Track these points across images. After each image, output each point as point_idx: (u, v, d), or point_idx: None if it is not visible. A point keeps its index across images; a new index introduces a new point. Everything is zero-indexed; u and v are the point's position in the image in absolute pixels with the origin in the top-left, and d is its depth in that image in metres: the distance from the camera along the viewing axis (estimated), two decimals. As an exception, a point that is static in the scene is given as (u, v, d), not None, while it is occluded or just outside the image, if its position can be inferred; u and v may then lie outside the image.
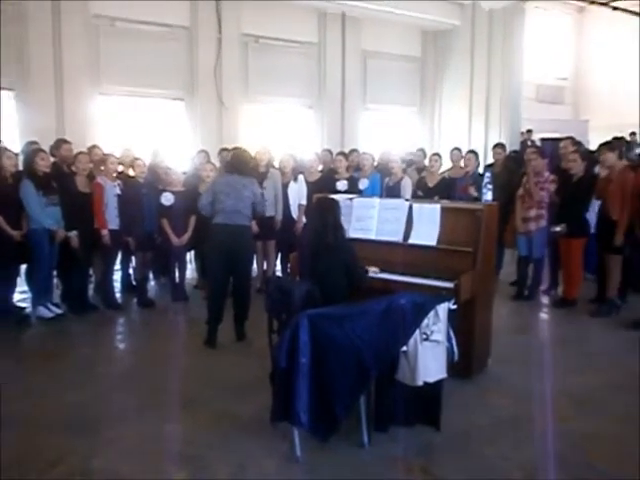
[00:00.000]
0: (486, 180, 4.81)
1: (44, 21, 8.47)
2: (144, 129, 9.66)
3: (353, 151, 7.67)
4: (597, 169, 6.21)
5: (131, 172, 6.20)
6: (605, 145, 5.95)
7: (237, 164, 4.89)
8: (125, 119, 9.62)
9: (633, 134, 11.03)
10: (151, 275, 6.69)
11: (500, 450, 3.16)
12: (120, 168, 6.22)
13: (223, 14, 9.97)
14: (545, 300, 6.27)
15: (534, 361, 4.51)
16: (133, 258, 6.36)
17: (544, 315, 5.92)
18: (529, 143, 11.34)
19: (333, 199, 3.96)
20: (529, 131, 12.41)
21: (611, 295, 5.67)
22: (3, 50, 8.05)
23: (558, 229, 5.81)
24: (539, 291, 6.33)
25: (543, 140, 11.90)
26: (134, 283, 6.45)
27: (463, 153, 7.21)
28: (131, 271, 6.57)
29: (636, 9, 12.97)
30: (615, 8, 13.05)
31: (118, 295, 6.24)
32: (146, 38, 9.47)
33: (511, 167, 7.12)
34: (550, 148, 8.25)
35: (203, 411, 3.63)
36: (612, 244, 5.43)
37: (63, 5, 8.57)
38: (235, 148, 5.26)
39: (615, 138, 6.04)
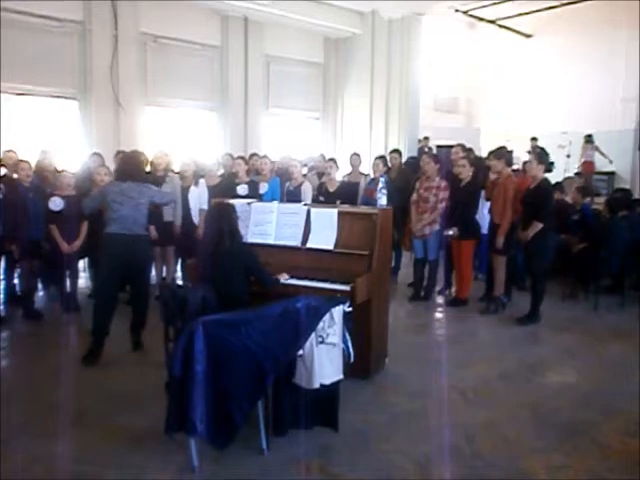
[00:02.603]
0: (381, 185, 4.98)
1: None
2: (32, 129, 9.06)
3: (253, 155, 7.65)
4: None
5: (15, 175, 5.79)
6: (493, 153, 6.38)
7: (129, 170, 4.70)
8: (10, 118, 8.96)
9: (534, 139, 11.61)
10: (39, 285, 6.28)
11: (396, 445, 3.28)
12: (2, 171, 5.80)
13: (119, 10, 9.55)
14: (440, 300, 6.58)
15: (429, 359, 4.73)
16: (18, 267, 5.93)
17: (439, 314, 6.22)
18: (426, 149, 11.87)
19: (228, 204, 3.92)
20: (426, 138, 12.98)
21: (497, 293, 6.05)
22: None
23: (450, 232, 6.12)
24: (434, 292, 6.63)
25: (439, 147, 12.52)
26: (19, 294, 6.01)
27: (362, 158, 7.40)
28: (16, 281, 6.12)
29: (520, 28, 14.03)
30: (501, 26, 14.02)
31: (1, 307, 5.80)
32: (35, 31, 8.90)
33: (407, 172, 7.41)
34: (445, 155, 8.69)
35: (96, 426, 3.46)
36: (496, 245, 5.83)
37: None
38: (123, 152, 5.07)
39: (500, 148, 6.47)
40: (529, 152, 7.46)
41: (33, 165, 5.92)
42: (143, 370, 4.26)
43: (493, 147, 6.73)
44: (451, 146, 7.57)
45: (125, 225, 4.51)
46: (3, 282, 6.09)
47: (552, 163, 6.23)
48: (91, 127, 9.55)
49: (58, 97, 9.51)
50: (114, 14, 9.53)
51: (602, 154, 11.93)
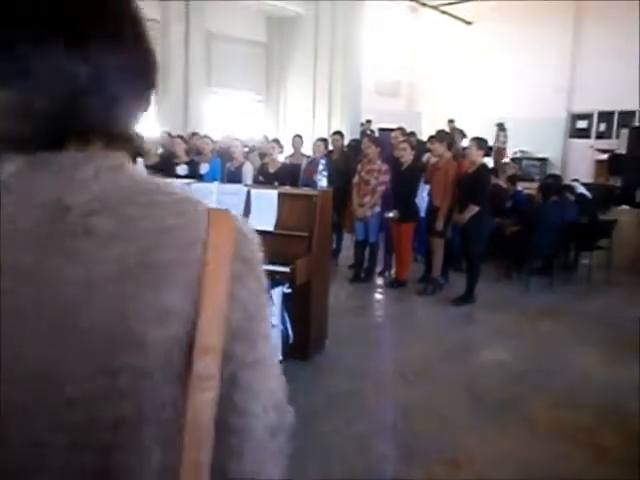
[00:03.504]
0: (321, 167, 4.96)
1: None
2: None
3: (194, 134, 7.46)
4: (426, 157, 6.73)
5: None
6: (434, 137, 6.48)
7: None
8: None
9: (501, 125, 11.67)
10: None
11: (334, 426, 3.30)
12: None
13: None
14: (380, 281, 6.67)
15: (369, 340, 4.79)
16: None
17: (378, 295, 6.30)
18: (368, 132, 11.93)
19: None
20: (368, 121, 13.04)
21: (435, 275, 6.19)
22: None
23: (391, 215, 6.19)
24: (374, 273, 6.71)
25: (381, 130, 12.60)
26: None
27: (305, 140, 7.35)
28: None
29: (462, 15, 14.26)
30: (443, 12, 14.21)
31: None
32: None
33: (349, 155, 7.42)
34: (387, 138, 8.75)
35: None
36: (435, 228, 5.94)
37: None
38: None
39: (441, 131, 6.59)
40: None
41: None
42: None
43: (434, 131, 6.85)
44: (393, 129, 7.64)
45: None
46: None
47: (490, 148, 6.41)
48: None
49: None
50: None
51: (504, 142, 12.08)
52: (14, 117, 0.55)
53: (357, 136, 11.33)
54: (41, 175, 0.56)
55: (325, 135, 9.89)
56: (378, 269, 6.77)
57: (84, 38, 0.55)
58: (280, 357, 3.25)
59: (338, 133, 7.66)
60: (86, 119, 0.57)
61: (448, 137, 6.57)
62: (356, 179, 6.38)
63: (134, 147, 0.64)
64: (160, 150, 6.71)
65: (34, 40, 0.53)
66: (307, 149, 7.88)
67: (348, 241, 7.63)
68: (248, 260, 0.63)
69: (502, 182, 7.68)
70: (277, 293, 3.15)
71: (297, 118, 12.77)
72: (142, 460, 0.57)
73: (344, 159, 7.21)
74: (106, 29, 0.57)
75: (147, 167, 6.13)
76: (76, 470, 0.55)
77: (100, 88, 0.56)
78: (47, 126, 0.55)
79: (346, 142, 8.41)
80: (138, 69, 0.63)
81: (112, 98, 0.58)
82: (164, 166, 6.11)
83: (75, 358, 0.54)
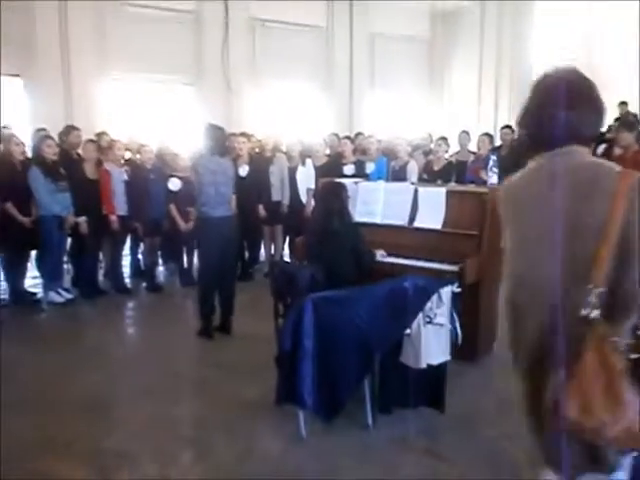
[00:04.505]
0: (491, 163, 4.75)
1: (50, 7, 8.46)
2: (152, 114, 9.67)
3: (359, 134, 7.64)
4: (601, 148, 6.12)
5: (138, 156, 6.23)
6: (621, 124, 5.79)
7: (221, 145, 4.64)
8: (133, 104, 9.63)
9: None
10: (160, 260, 6.75)
11: (504, 431, 3.19)
12: (127, 154, 6.25)
13: (230, -3, 9.90)
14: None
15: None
16: (142, 243, 6.41)
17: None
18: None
19: (339, 183, 3.95)
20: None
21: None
22: (9, 36, 8.06)
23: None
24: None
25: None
26: (143, 268, 6.50)
27: (472, 136, 7.15)
28: (140, 256, 6.62)
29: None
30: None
31: (127, 280, 6.31)
32: (153, 22, 9.43)
33: (519, 150, 7.04)
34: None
35: (210, 393, 3.69)
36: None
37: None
38: (212, 125, 4.69)
39: (627, 116, 5.84)
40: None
41: (155, 149, 6.31)
42: (252, 343, 4.44)
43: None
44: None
45: (228, 207, 4.57)
46: (130, 257, 6.61)
47: None
48: (204, 110, 10.00)
49: (175, 83, 10.06)
50: (225, 1, 9.86)
51: None
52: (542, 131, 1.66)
53: (527, 129, 10.71)
54: (553, 159, 1.63)
55: (491, 130, 9.50)
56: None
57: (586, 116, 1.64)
58: (449, 357, 3.22)
59: (508, 127, 7.31)
60: (572, 133, 1.60)
61: (635, 124, 5.89)
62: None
63: (590, 144, 1.75)
64: (327, 151, 6.98)
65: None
66: (472, 145, 7.66)
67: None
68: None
69: None
70: (446, 292, 3.12)
71: (461, 113, 12.43)
72: None
73: (513, 155, 6.85)
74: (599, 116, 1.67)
75: (316, 167, 6.45)
76: None
77: (581, 125, 1.62)
78: (556, 135, 1.60)
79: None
80: (596, 123, 1.66)
81: (582, 129, 1.63)
82: (332, 166, 6.37)
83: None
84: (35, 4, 8.34)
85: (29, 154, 5.61)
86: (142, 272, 6.48)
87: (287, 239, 6.79)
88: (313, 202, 6.24)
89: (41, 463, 2.89)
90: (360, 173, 6.06)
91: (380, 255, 3.95)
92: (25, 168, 5.35)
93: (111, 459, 2.94)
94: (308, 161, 6.51)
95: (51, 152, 5.41)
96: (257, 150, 6.79)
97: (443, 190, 4.13)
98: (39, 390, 3.75)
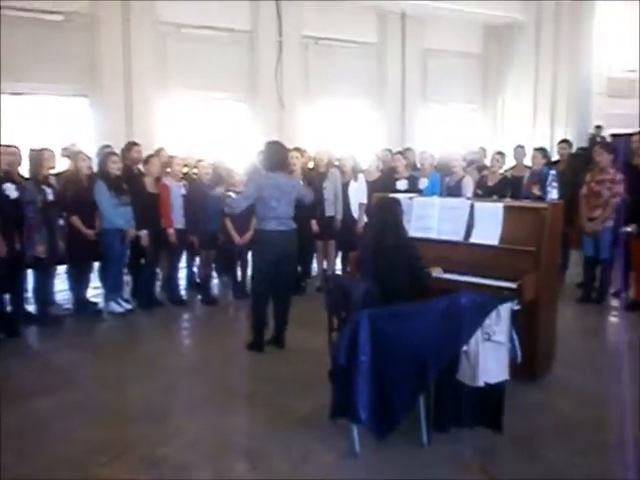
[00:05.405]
0: (550, 178, 4.65)
1: (114, 30, 8.86)
2: (208, 131, 9.95)
3: (407, 150, 7.63)
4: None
5: (195, 171, 6.40)
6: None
7: (281, 161, 4.69)
8: (190, 122, 9.93)
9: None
10: (214, 273, 6.88)
11: (564, 455, 3.08)
12: (185, 169, 6.44)
13: (283, 17, 10.11)
14: (615, 303, 6.01)
15: (602, 365, 4.36)
16: (197, 257, 6.57)
17: (613, 319, 5.70)
18: (598, 139, 10.89)
19: (393, 199, 3.95)
20: (598, 127, 11.89)
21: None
22: (77, 58, 8.50)
23: (629, 229, 5.57)
24: (608, 294, 6.08)
25: (614, 136, 11.39)
26: (198, 281, 6.65)
27: (527, 150, 7.01)
28: (195, 269, 6.78)
29: None
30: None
31: (183, 292, 6.46)
32: (210, 42, 9.73)
33: (576, 165, 6.87)
34: (622, 144, 7.89)
35: (264, 405, 3.73)
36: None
37: (132, 13, 8.93)
38: (272, 142, 4.83)
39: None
40: None
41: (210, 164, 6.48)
42: (305, 357, 4.47)
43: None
44: (630, 134, 6.86)
45: (283, 221, 4.59)
46: (186, 270, 6.77)
47: None
48: (258, 127, 10.21)
49: (230, 101, 10.32)
50: (278, 20, 10.09)
51: None
52: None
53: (585, 144, 10.43)
54: None
55: (547, 145, 9.32)
56: (612, 289, 6.12)
57: None
58: (507, 376, 3.14)
59: (565, 141, 7.15)
60: None
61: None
62: (584, 190, 5.87)
63: None
64: (380, 166, 6.99)
65: None
66: (526, 160, 7.50)
67: (575, 258, 7.04)
68: None
69: None
70: (505, 309, 3.06)
71: (516, 128, 12.22)
72: None
73: (571, 169, 6.69)
74: None
75: (368, 183, 6.47)
76: None
77: None
78: None
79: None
80: None
81: None
82: (384, 182, 6.38)
83: None
84: (100, 27, 8.75)
85: (95, 169, 5.87)
86: (197, 285, 6.62)
87: (340, 254, 6.81)
88: (365, 217, 6.28)
89: (98, 468, 2.99)
90: (413, 188, 6.04)
91: (436, 273, 3.91)
92: (91, 183, 5.60)
93: (166, 467, 3.01)
94: (360, 176, 6.53)
95: (115, 167, 5.64)
96: (311, 165, 6.87)
97: (500, 205, 4.08)
98: (98, 395, 3.88)
